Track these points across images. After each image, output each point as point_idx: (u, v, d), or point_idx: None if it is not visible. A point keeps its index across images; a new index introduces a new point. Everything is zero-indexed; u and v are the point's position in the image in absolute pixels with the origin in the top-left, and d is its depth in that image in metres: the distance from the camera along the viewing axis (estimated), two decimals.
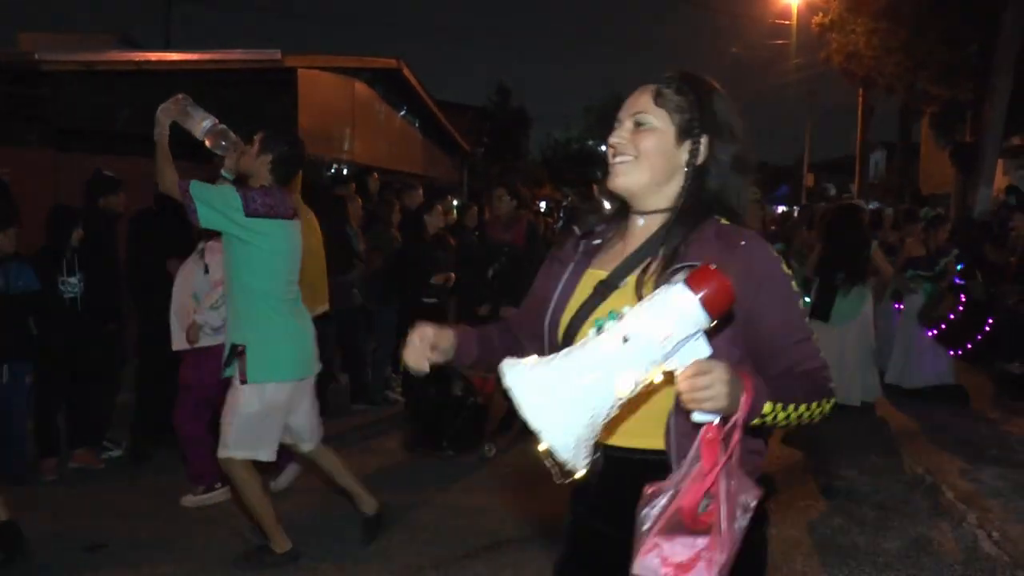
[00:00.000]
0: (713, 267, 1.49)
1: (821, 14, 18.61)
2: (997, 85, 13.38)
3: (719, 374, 1.48)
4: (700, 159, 1.79)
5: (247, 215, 3.72)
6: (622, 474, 1.75)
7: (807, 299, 7.65)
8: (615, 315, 1.53)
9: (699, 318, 1.46)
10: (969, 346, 7.51)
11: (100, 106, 10.13)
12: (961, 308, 7.46)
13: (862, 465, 5.81)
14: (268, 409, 3.93)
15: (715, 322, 1.49)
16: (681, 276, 1.51)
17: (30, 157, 8.78)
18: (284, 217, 3.88)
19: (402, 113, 17.61)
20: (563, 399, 1.44)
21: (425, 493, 5.20)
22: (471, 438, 5.92)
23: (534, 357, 1.52)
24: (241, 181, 3.99)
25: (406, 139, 18.33)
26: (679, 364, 1.49)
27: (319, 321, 6.88)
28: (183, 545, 4.32)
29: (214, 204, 3.71)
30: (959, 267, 7.73)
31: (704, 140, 1.79)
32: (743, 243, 1.71)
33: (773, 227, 9.09)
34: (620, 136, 1.83)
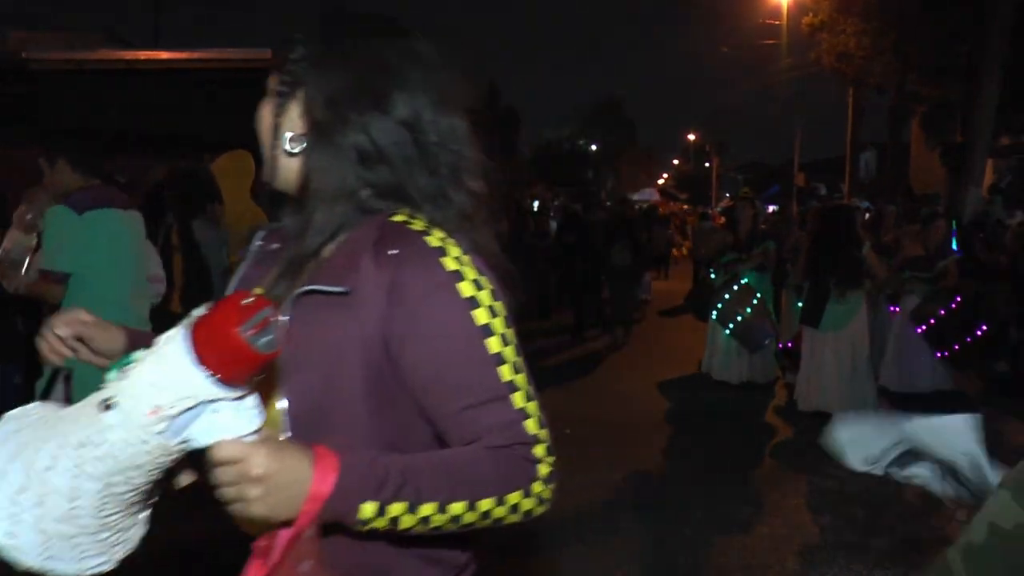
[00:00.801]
0: (246, 301, 1.01)
1: (811, 14, 18.66)
2: (986, 86, 13.44)
3: (250, 466, 1.01)
4: (291, 125, 1.28)
5: (80, 214, 3.52)
6: None
7: (800, 304, 7.37)
8: (123, 363, 1.05)
9: (203, 384, 0.99)
10: (956, 347, 7.24)
11: (89, 105, 10.08)
12: (953, 306, 7.22)
13: None
14: None
15: (240, 388, 1.02)
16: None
17: (18, 156, 8.73)
18: (119, 207, 3.70)
19: None
20: (13, 480, 1.04)
21: None
22: None
23: (42, 407, 1.15)
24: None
25: None
26: (200, 444, 1.03)
27: None
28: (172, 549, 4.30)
29: (60, 249, 3.53)
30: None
31: (298, 99, 1.28)
32: (394, 252, 1.18)
33: (763, 226, 8.95)
34: None
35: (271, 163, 1.32)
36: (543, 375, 9.42)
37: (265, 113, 1.32)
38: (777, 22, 28.25)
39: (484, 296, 1.19)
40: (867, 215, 12.09)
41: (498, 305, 1.21)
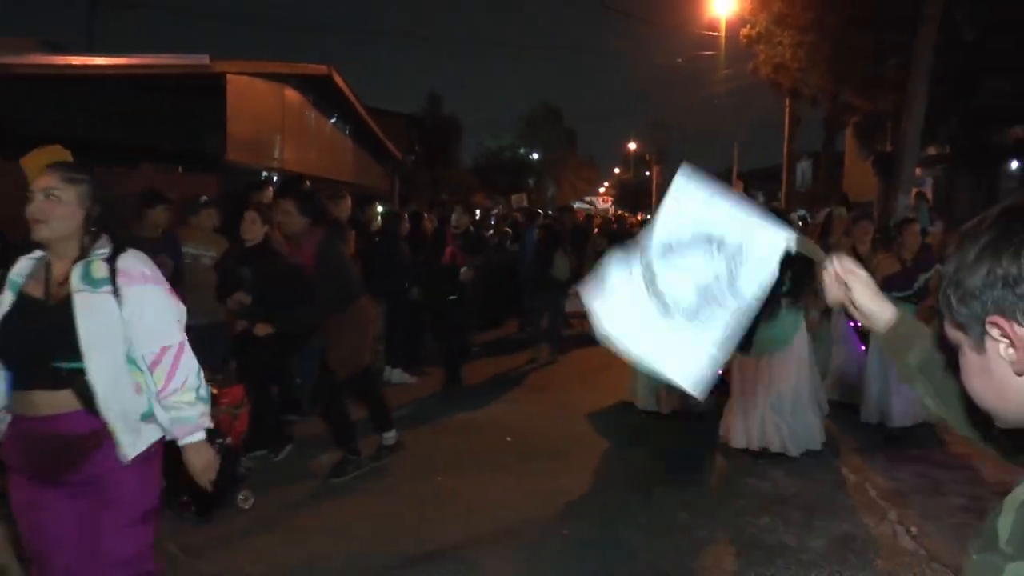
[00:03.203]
0: None
1: (749, 26, 19.02)
2: (914, 98, 13.84)
3: None
4: None
5: None
6: None
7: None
8: None
9: None
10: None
11: (20, 111, 9.84)
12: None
13: (789, 466, 5.94)
14: None
15: None
16: None
17: None
18: None
19: (333, 120, 17.47)
20: None
21: (353, 502, 5.17)
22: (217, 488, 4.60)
23: None
24: None
25: (337, 147, 18.18)
26: None
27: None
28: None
29: None
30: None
31: None
32: None
33: None
34: None
35: None
36: (488, 385, 9.30)
37: None
38: (715, 33, 28.70)
39: None
40: (801, 223, 12.23)
41: None
